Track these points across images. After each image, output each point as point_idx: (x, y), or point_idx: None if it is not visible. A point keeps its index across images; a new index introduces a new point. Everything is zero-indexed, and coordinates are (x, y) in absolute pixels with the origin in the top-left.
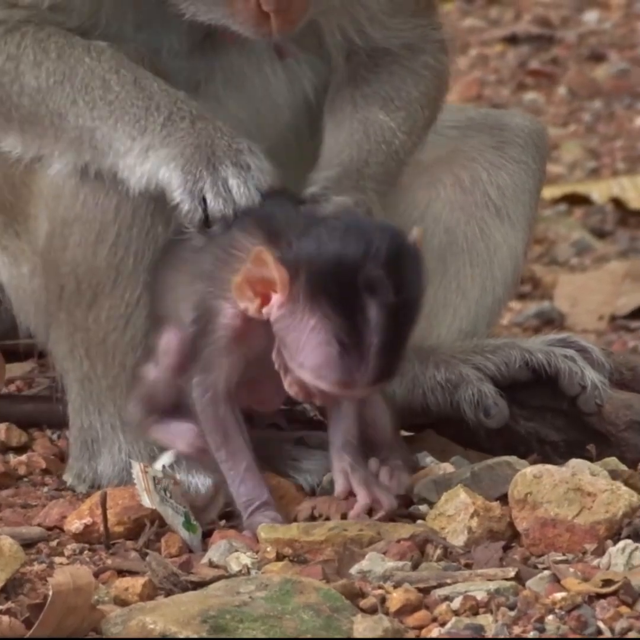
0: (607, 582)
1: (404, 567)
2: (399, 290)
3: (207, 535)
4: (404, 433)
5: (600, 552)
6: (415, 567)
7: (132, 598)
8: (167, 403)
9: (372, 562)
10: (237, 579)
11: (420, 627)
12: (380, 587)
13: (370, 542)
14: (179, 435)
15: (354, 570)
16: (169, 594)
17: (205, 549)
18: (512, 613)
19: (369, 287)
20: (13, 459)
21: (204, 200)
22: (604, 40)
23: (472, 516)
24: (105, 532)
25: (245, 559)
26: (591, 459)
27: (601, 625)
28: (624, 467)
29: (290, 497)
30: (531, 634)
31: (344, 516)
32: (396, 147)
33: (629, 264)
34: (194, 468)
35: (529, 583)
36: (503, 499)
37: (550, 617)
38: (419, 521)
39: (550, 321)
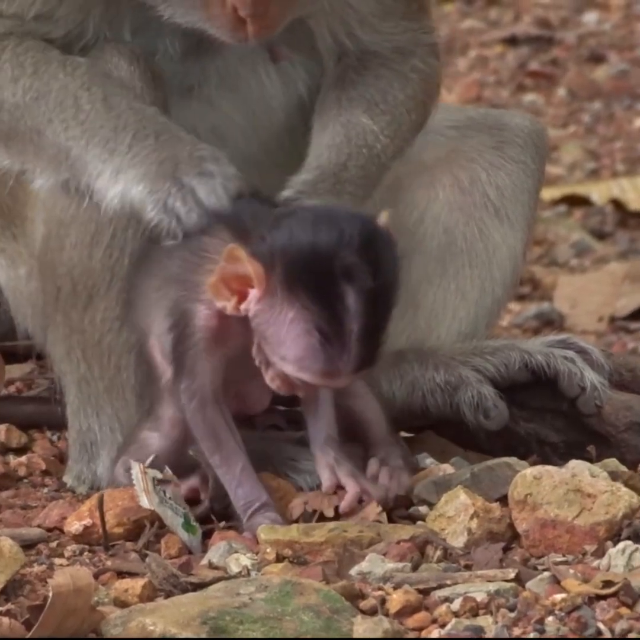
0: (607, 584)
1: (404, 569)
2: (375, 275)
3: (206, 536)
4: (404, 434)
5: (600, 553)
6: (415, 568)
7: (131, 599)
8: (171, 468)
9: (372, 564)
10: (237, 581)
11: (420, 629)
12: (380, 589)
13: (370, 543)
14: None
15: (353, 571)
16: (168, 595)
17: (205, 550)
18: (512, 614)
19: (346, 274)
20: (13, 460)
21: (177, 215)
22: (603, 41)
23: (472, 517)
24: (104, 533)
25: (245, 560)
26: (591, 460)
27: (601, 626)
28: (624, 468)
29: (289, 498)
30: (531, 635)
31: (337, 511)
32: (378, 151)
33: (628, 265)
34: None
35: (529, 584)
36: (503, 500)
37: (550, 618)
38: (419, 522)
39: (549, 322)
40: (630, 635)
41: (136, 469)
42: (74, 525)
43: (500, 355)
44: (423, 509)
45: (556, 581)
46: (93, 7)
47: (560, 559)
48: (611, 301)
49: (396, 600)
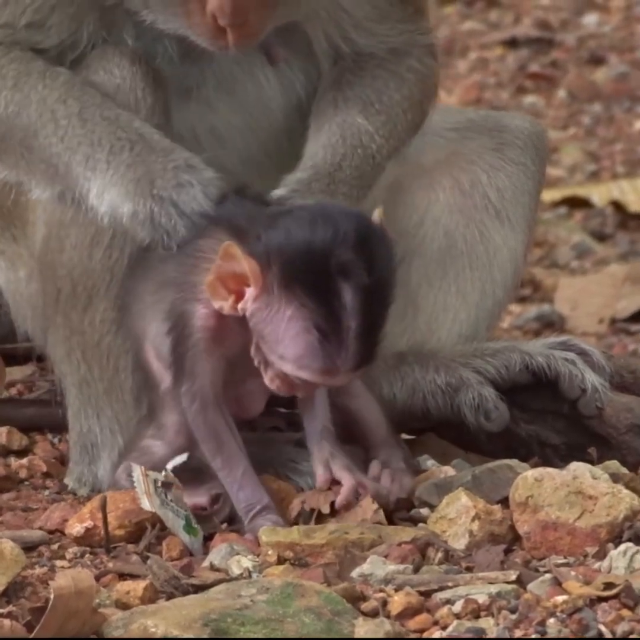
0: (608, 585)
1: (405, 571)
2: (371, 272)
3: (208, 538)
4: (405, 436)
5: (601, 555)
6: (416, 570)
7: (133, 601)
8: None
9: (374, 566)
10: (239, 583)
11: (422, 631)
12: (381, 591)
13: (372, 545)
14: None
15: (355, 573)
16: (170, 597)
17: (206, 552)
18: (514, 616)
19: (342, 271)
20: (14, 462)
21: (166, 230)
22: (603, 43)
23: (473, 519)
24: (106, 535)
25: (247, 562)
26: (592, 462)
27: (602, 628)
28: (625, 470)
29: (290, 500)
30: (533, 637)
31: (334, 508)
32: (373, 151)
33: (629, 267)
34: None
35: (530, 586)
36: (504, 502)
37: (551, 620)
38: (420, 524)
39: (550, 324)
40: (632, 637)
41: (137, 472)
42: (75, 528)
43: (501, 357)
44: (424, 511)
45: (557, 583)
46: (87, 15)
47: (561, 560)
48: (612, 303)
49: (397, 602)
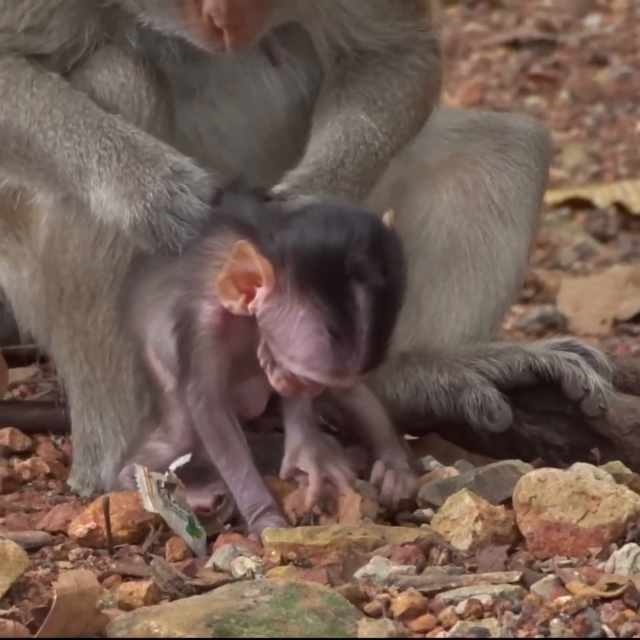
0: (611, 586)
1: (409, 571)
2: (384, 275)
3: (211, 539)
4: (408, 437)
5: (604, 555)
6: (419, 571)
7: (136, 602)
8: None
9: (377, 566)
10: (242, 583)
11: (425, 631)
12: (384, 591)
13: (375, 546)
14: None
15: (358, 574)
16: (173, 598)
17: (209, 553)
18: (517, 617)
19: (356, 274)
20: (17, 463)
21: (169, 239)
22: (606, 44)
23: (476, 520)
24: (109, 536)
25: (250, 563)
26: (595, 463)
27: (606, 628)
28: (628, 471)
29: None
30: (536, 638)
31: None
32: (375, 148)
33: (631, 268)
34: None
35: (533, 587)
36: (507, 502)
37: (555, 620)
38: (424, 525)
39: (553, 325)
40: (635, 637)
41: (140, 473)
42: (78, 529)
43: (504, 357)
44: (427, 511)
45: (561, 584)
46: (88, 18)
47: (564, 561)
48: (614, 304)
49: (401, 602)
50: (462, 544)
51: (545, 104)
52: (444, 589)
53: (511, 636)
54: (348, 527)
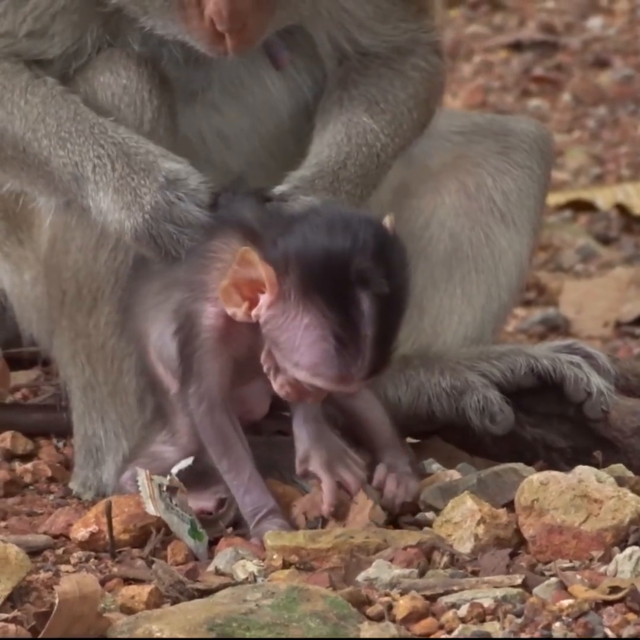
0: (614, 589)
1: (411, 575)
2: (388, 280)
3: (213, 543)
4: (410, 440)
5: (607, 559)
6: (422, 574)
7: (138, 606)
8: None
9: (379, 570)
10: (244, 587)
11: (427, 635)
12: (387, 595)
13: (377, 549)
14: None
15: (360, 577)
16: (175, 602)
17: (211, 556)
18: (519, 620)
19: (361, 280)
20: (19, 467)
21: (172, 247)
22: (608, 46)
23: (478, 523)
24: (111, 540)
25: (252, 566)
26: (597, 466)
27: (608, 632)
28: (630, 474)
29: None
30: None
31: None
32: (377, 150)
33: (633, 271)
34: None
35: (535, 590)
36: (509, 505)
37: (557, 624)
38: (426, 528)
39: (555, 328)
40: None
41: (142, 476)
42: (80, 532)
43: (506, 360)
44: (430, 514)
45: (563, 587)
46: (90, 22)
47: (567, 564)
48: (616, 306)
49: (403, 606)
50: (464, 547)
51: (547, 106)
52: (446, 593)
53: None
54: (350, 531)
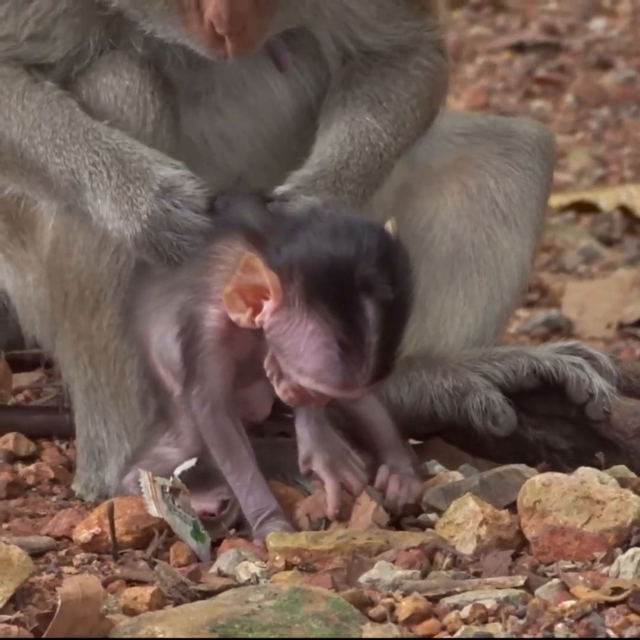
0: (616, 590)
1: (413, 576)
2: (393, 287)
3: (215, 544)
4: (412, 441)
5: (609, 560)
6: (424, 575)
7: (140, 607)
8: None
9: (381, 571)
10: (246, 588)
11: (430, 636)
12: (389, 596)
13: (379, 550)
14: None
15: (363, 579)
16: (177, 603)
17: (213, 558)
18: (522, 621)
19: (365, 286)
20: (21, 468)
21: (173, 253)
22: (610, 47)
23: (481, 524)
24: (113, 542)
25: (254, 568)
26: (600, 467)
27: (611, 633)
28: (633, 475)
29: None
30: None
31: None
32: (380, 149)
33: (636, 272)
34: None
35: (538, 591)
36: (512, 507)
37: (559, 625)
38: (428, 530)
39: (557, 329)
40: None
41: (145, 478)
42: (82, 534)
43: (508, 361)
44: (432, 516)
45: (565, 588)
46: (92, 25)
47: (569, 565)
48: (619, 308)
49: (405, 607)
50: (467, 549)
51: (550, 108)
52: (449, 594)
53: None
54: (352, 532)
